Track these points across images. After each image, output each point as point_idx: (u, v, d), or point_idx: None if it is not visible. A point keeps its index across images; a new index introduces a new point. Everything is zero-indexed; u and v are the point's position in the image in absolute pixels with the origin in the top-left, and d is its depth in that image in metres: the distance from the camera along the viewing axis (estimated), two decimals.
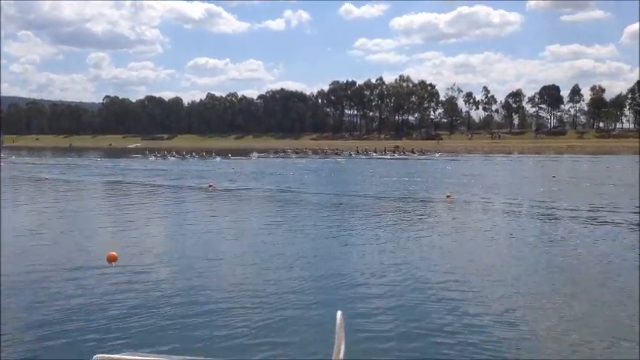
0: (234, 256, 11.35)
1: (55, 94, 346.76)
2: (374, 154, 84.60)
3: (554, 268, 10.19)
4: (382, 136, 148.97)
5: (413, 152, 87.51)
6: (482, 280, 9.17)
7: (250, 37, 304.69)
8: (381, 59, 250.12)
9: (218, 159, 63.64)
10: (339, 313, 1.59)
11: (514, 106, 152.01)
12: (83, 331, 6.48)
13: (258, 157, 69.68)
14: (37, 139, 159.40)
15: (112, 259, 9.81)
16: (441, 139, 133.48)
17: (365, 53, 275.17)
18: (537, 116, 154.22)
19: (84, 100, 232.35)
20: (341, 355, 1.53)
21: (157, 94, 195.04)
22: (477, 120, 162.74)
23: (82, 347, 5.84)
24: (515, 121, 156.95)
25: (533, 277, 9.55)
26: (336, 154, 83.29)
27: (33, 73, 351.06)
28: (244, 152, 79.02)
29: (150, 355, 1.82)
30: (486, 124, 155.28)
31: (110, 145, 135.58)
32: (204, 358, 1.42)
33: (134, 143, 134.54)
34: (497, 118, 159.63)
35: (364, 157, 78.52)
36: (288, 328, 6.75)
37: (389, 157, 76.11)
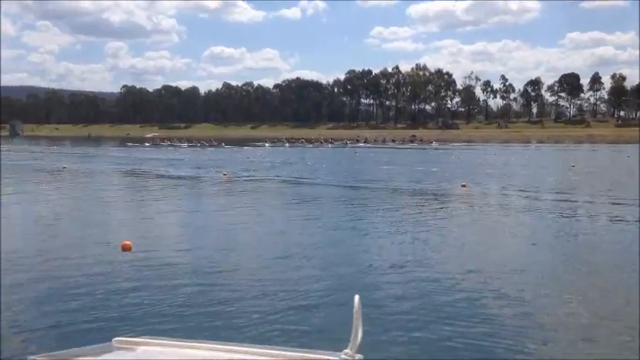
0: (250, 244, 11.39)
1: (74, 84, 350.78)
2: (392, 142, 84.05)
3: (572, 260, 10.06)
4: (398, 126, 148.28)
5: (412, 141, 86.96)
6: (497, 272, 9.09)
7: (266, 26, 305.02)
8: (398, 48, 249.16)
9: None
10: (356, 297, 1.59)
11: (533, 94, 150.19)
12: (101, 316, 6.54)
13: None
14: (56, 128, 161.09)
15: (126, 248, 9.86)
16: (458, 129, 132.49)
17: (381, 42, 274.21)
18: (557, 105, 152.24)
19: (102, 90, 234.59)
20: (358, 339, 1.55)
21: (173, 84, 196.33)
22: (494, 109, 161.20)
23: (100, 331, 5.88)
24: (534, 110, 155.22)
25: (547, 268, 9.46)
26: (330, 142, 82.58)
27: (52, 63, 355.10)
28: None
29: (168, 339, 1.82)
30: (504, 113, 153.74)
31: (128, 134, 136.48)
32: (221, 343, 1.42)
33: (151, 132, 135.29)
34: (515, 106, 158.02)
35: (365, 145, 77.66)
36: (307, 315, 6.75)
37: (382, 146, 75.58)
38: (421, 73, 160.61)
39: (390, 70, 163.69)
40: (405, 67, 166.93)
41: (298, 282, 8.21)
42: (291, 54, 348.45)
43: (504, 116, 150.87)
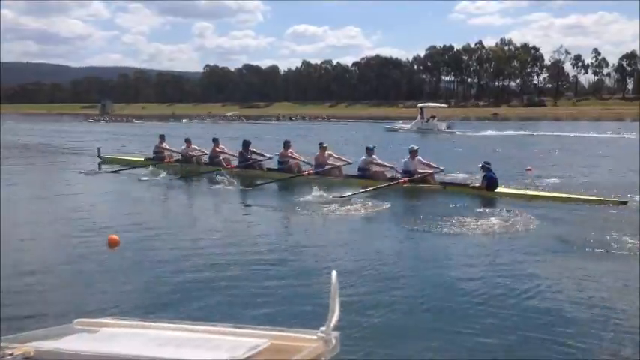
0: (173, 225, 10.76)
1: (164, 64, 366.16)
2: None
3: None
4: (480, 103, 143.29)
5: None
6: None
7: (349, 4, 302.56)
8: (484, 23, 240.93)
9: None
10: (333, 273, 1.55)
11: (628, 69, 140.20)
12: (62, 298, 6.28)
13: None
14: (143, 107, 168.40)
15: (113, 243, 8.42)
16: (544, 105, 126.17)
17: (467, 17, 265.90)
18: None
19: (189, 70, 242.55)
20: (335, 317, 1.51)
21: (257, 63, 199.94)
22: (585, 85, 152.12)
23: (61, 313, 5.58)
24: (630, 86, 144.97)
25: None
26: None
27: (144, 44, 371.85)
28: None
29: (131, 320, 1.80)
30: (596, 89, 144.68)
31: (209, 113, 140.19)
32: (189, 322, 1.43)
33: (232, 111, 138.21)
34: (608, 82, 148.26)
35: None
36: (282, 296, 6.25)
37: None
38: (506, 48, 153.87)
39: (472, 45, 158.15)
40: (490, 43, 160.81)
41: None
42: (373, 31, 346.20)
43: (596, 92, 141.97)
